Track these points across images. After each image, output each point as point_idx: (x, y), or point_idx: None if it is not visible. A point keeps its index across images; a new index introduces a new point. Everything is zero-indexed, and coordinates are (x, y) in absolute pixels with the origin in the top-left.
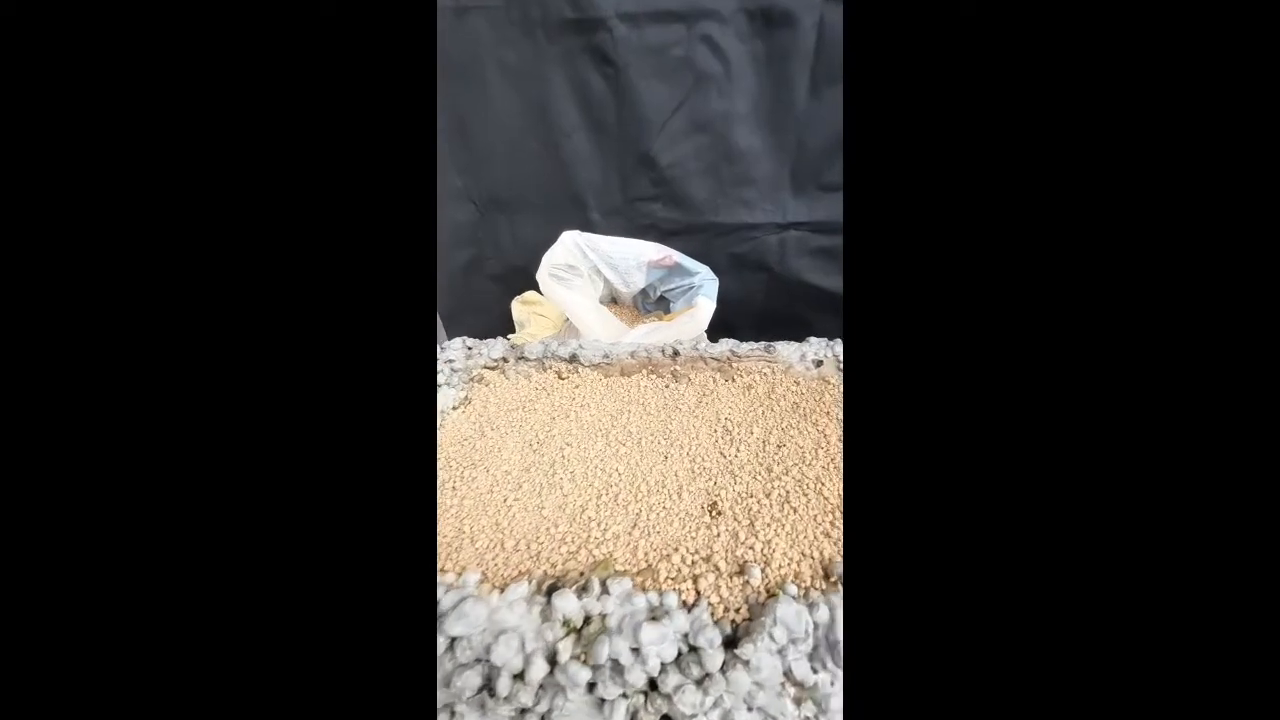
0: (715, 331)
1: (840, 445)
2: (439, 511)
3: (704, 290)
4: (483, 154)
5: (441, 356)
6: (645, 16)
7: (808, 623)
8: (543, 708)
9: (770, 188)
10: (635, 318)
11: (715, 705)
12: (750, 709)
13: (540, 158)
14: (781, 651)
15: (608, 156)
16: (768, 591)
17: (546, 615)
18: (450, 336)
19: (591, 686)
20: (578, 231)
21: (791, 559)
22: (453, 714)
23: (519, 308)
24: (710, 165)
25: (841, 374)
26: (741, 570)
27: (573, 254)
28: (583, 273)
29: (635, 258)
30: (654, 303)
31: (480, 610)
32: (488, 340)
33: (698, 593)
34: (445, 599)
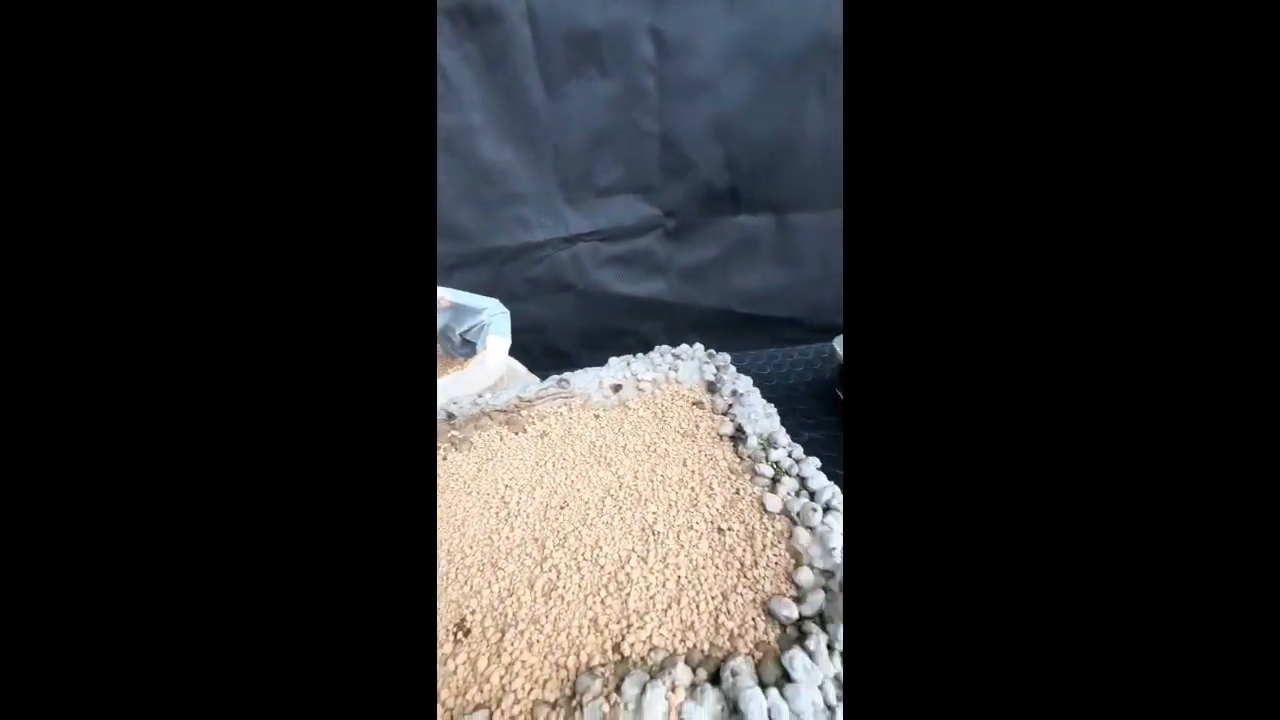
0: (543, 361)
1: (634, 481)
2: None
3: (493, 328)
4: None
5: None
6: None
7: None
8: None
9: (542, 201)
10: (447, 364)
11: None
12: None
13: None
14: None
15: None
16: None
17: None
18: None
19: None
20: None
21: (535, 677)
22: None
23: None
24: (467, 187)
25: (642, 393)
26: (459, 709)
27: None
28: None
29: None
30: (460, 346)
31: None
32: None
33: None
34: None
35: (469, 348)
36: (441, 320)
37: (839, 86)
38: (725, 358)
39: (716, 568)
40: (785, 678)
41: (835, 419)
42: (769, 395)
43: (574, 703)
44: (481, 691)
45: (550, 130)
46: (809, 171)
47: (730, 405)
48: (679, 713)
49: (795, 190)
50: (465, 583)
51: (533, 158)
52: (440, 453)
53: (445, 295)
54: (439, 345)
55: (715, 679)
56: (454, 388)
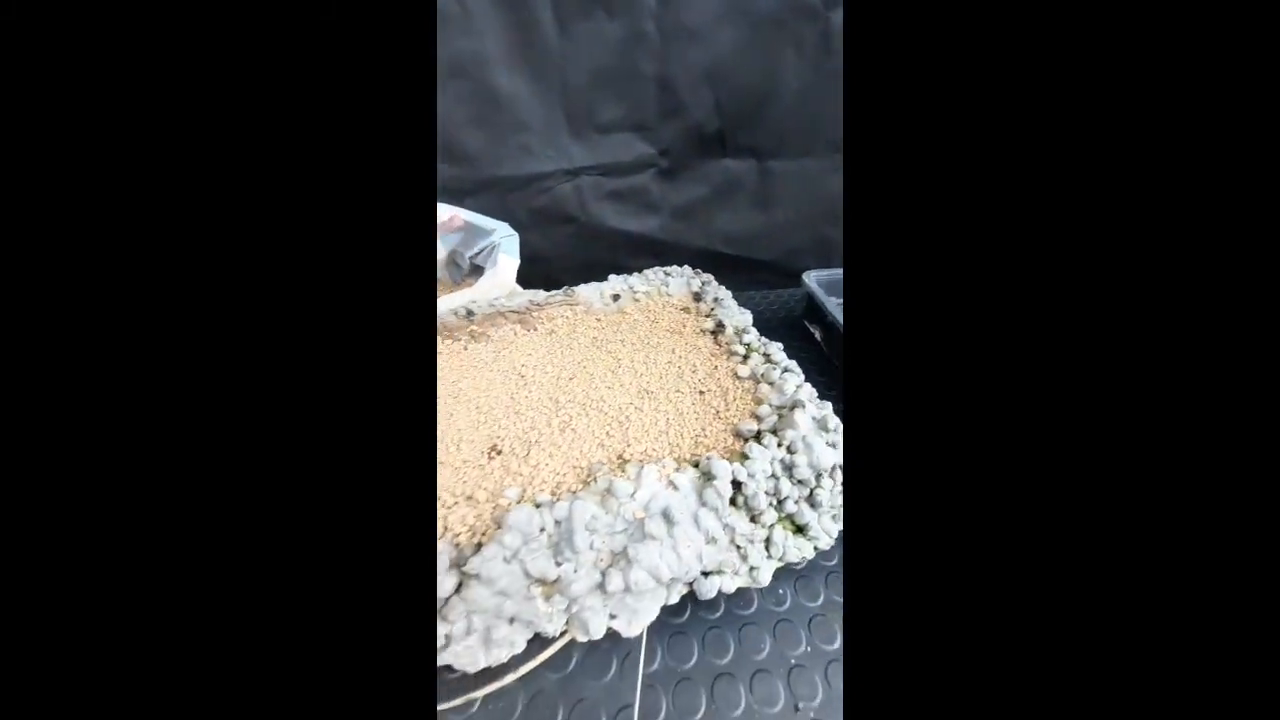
0: (539, 288)
1: (631, 363)
2: None
3: (503, 248)
4: None
5: None
6: None
7: (541, 522)
8: None
9: (548, 133)
10: (450, 290)
11: (469, 629)
12: (509, 621)
13: None
14: (515, 556)
15: None
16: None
17: None
18: None
19: None
20: None
21: (559, 473)
22: None
23: None
24: (478, 113)
25: (638, 303)
26: (496, 496)
27: None
28: None
29: None
30: (468, 272)
31: None
32: None
33: (445, 526)
34: None
35: (477, 272)
36: (452, 242)
37: (812, 44)
38: (709, 276)
39: (698, 414)
40: (745, 459)
41: (799, 344)
42: None
43: (589, 478)
44: (514, 483)
45: (559, 66)
46: (786, 121)
47: (712, 309)
48: (669, 477)
49: (773, 137)
50: (495, 424)
51: (541, 90)
52: (461, 344)
53: (459, 215)
54: (447, 271)
55: (695, 466)
56: (460, 299)
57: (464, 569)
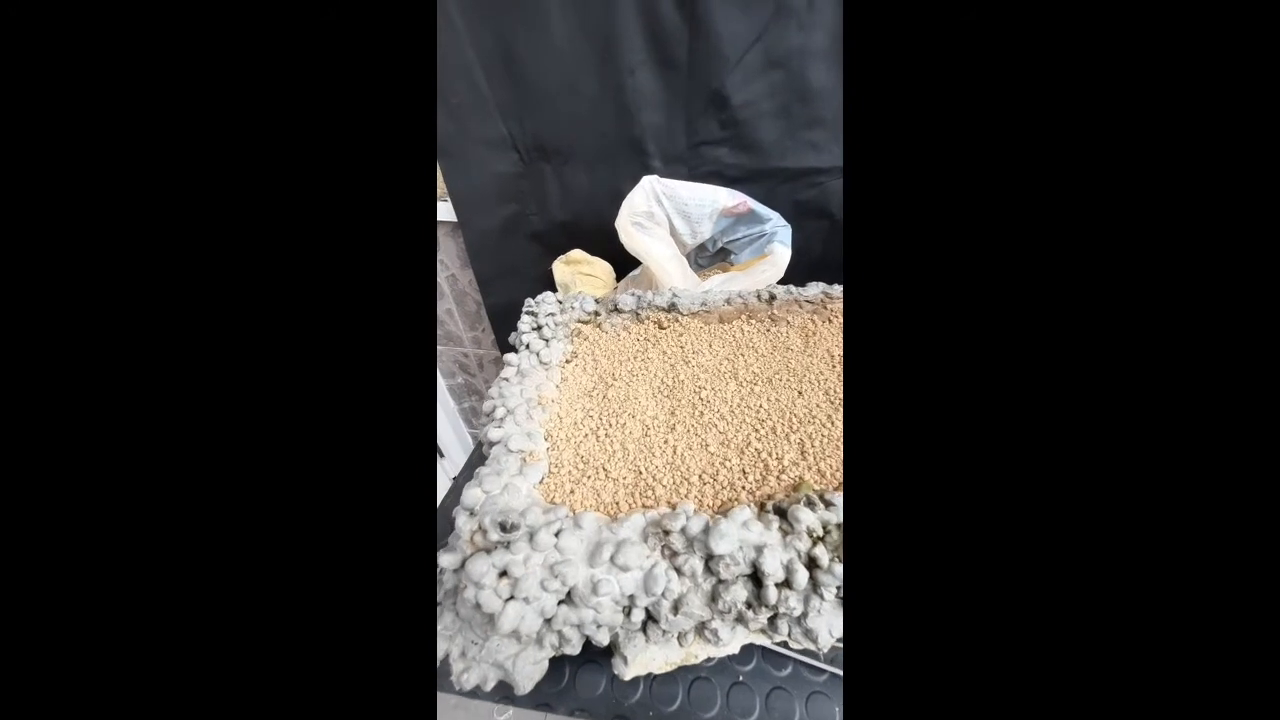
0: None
1: None
2: (602, 457)
3: (779, 238)
4: (533, 93)
5: (541, 311)
6: None
7: None
8: (798, 610)
9: (838, 129)
10: (707, 273)
11: None
12: None
13: (597, 98)
14: None
15: (674, 96)
16: None
17: (787, 530)
18: (487, 302)
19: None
20: (655, 177)
21: None
22: (702, 629)
23: (561, 269)
24: (783, 105)
25: None
26: None
27: (650, 201)
28: (662, 220)
29: (710, 204)
30: (710, 256)
31: (733, 529)
32: (574, 295)
33: None
34: (690, 523)
35: (721, 256)
36: (719, 227)
37: None
38: None
39: None
40: None
41: None
42: None
43: None
44: None
45: None
46: None
47: None
48: None
49: None
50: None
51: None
52: (763, 326)
53: (746, 201)
54: (696, 256)
55: None
56: (747, 281)
57: None
